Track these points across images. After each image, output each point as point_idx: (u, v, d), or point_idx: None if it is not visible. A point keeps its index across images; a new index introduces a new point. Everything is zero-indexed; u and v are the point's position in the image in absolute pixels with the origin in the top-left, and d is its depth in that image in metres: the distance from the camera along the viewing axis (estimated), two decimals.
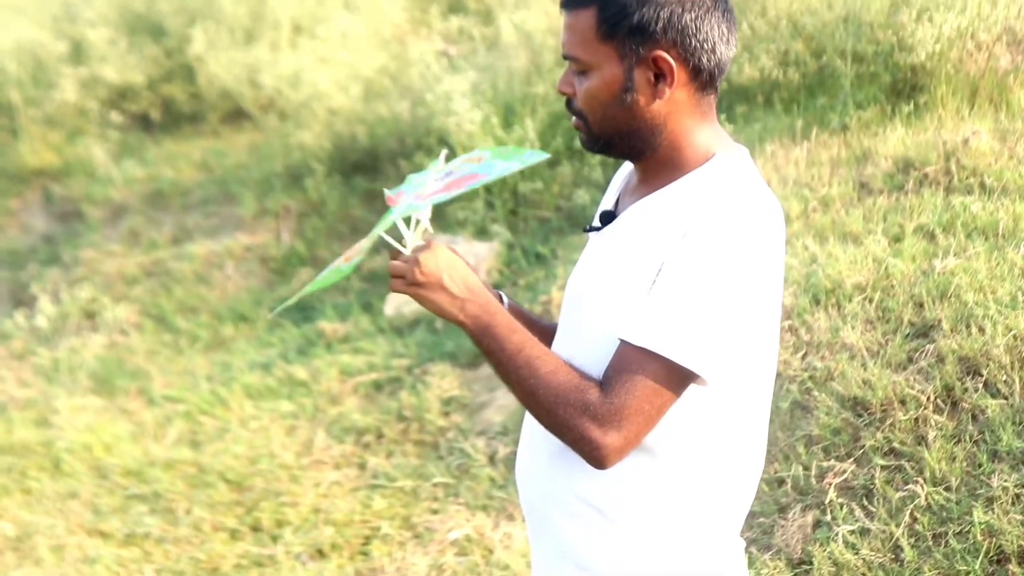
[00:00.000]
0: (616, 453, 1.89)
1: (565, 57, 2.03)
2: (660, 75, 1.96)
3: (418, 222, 2.04)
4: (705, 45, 1.96)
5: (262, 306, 8.04)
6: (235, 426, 5.98)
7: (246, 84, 11.18)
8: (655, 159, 2.05)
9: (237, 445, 5.72)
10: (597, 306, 2.03)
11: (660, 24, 1.92)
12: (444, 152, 2.33)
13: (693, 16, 1.94)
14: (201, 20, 11.46)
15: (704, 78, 2.00)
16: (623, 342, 1.90)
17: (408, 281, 1.97)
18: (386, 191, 2.14)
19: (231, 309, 8.13)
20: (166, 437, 5.98)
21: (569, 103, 2.07)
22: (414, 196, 2.07)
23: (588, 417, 1.87)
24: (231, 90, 11.29)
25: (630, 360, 1.88)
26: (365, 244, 2.09)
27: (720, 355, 1.88)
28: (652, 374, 1.86)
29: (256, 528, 5.00)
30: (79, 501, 5.35)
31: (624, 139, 2.03)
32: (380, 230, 2.02)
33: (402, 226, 2.02)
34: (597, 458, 1.90)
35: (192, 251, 9.19)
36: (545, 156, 2.15)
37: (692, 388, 1.92)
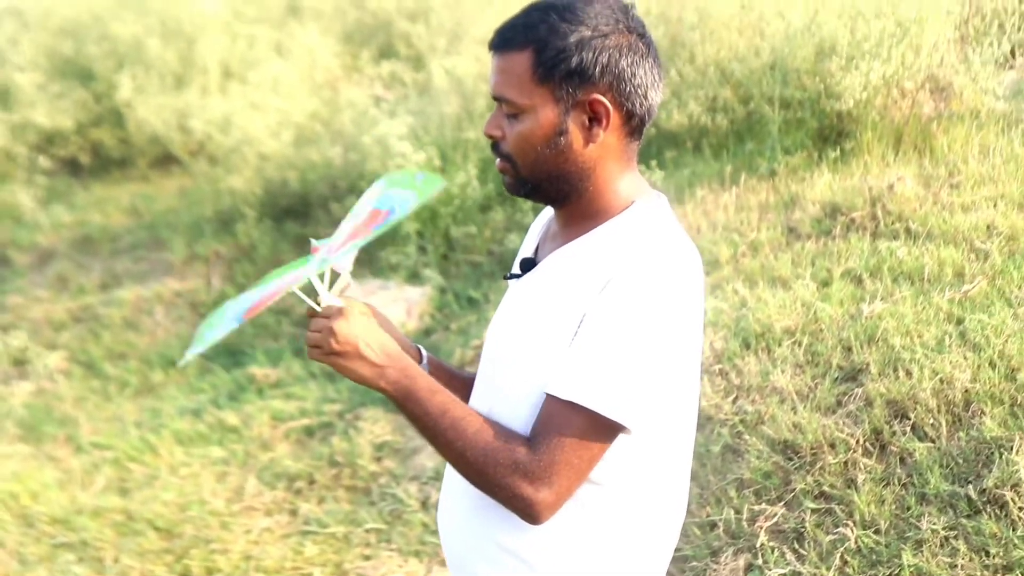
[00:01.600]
0: (549, 509, 1.89)
1: (496, 99, 2.02)
2: (595, 119, 1.97)
3: (337, 275, 2.03)
4: (639, 90, 1.98)
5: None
6: (165, 473, 5.92)
7: (176, 129, 11.15)
8: (578, 205, 2.06)
9: (167, 492, 5.66)
10: (518, 358, 2.03)
11: (598, 68, 1.94)
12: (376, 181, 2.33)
13: (629, 62, 1.96)
14: (130, 65, 11.43)
15: (635, 123, 2.02)
16: (549, 396, 1.91)
17: (325, 351, 1.96)
18: (312, 240, 2.13)
19: (161, 355, 8.06)
20: (94, 484, 5.91)
21: (495, 146, 2.06)
22: (326, 249, 2.06)
23: (519, 475, 1.87)
24: (161, 135, 11.26)
25: (557, 414, 1.89)
26: (268, 289, 2.07)
27: (644, 405, 1.89)
28: (579, 427, 1.87)
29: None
30: (4, 550, 5.27)
31: (552, 183, 2.03)
32: (284, 274, 2.02)
33: (317, 283, 2.01)
34: (531, 515, 1.90)
35: (121, 296, 9.12)
36: (441, 184, 2.16)
37: (618, 437, 1.93)
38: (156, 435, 6.41)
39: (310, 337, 1.98)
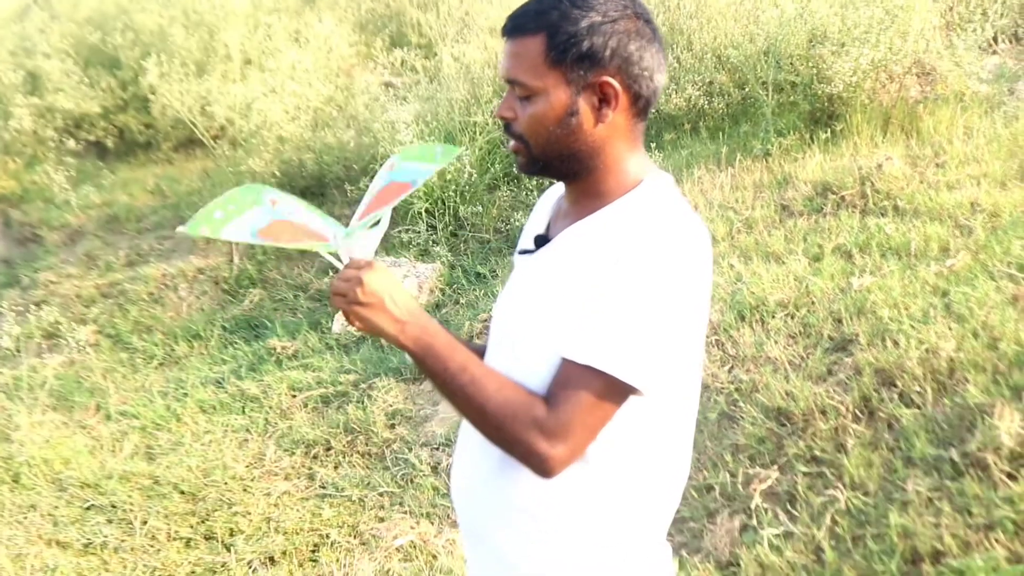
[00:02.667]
0: (562, 464, 1.90)
1: (508, 82, 2.02)
2: (604, 100, 1.97)
3: (372, 228, 2.02)
4: (645, 73, 1.99)
5: (215, 325, 8.00)
6: (189, 440, 5.93)
7: (198, 114, 11.14)
8: (589, 183, 2.06)
9: (191, 458, 5.67)
10: (535, 326, 2.02)
11: (608, 51, 1.94)
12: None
13: (637, 46, 1.96)
14: (154, 53, 11.40)
15: (641, 104, 2.02)
16: (566, 360, 1.90)
17: (351, 299, 1.94)
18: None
19: (185, 328, 8.08)
20: (122, 451, 5.92)
21: (508, 127, 2.06)
22: (357, 219, 2.05)
23: (536, 431, 1.87)
24: (184, 119, 11.24)
25: (574, 376, 1.88)
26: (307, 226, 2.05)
27: (656, 369, 1.89)
28: (595, 389, 1.87)
29: (209, 537, 4.96)
30: (38, 513, 5.29)
31: (564, 161, 2.03)
32: (314, 224, 2.01)
33: (342, 247, 2.00)
34: (545, 469, 1.90)
35: (147, 273, 9.13)
36: (457, 152, 2.15)
37: (628, 400, 1.93)
38: (180, 404, 6.43)
39: (337, 286, 1.96)
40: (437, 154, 2.15)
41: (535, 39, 1.96)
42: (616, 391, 1.89)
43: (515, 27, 2.00)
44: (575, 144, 2.01)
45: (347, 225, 2.04)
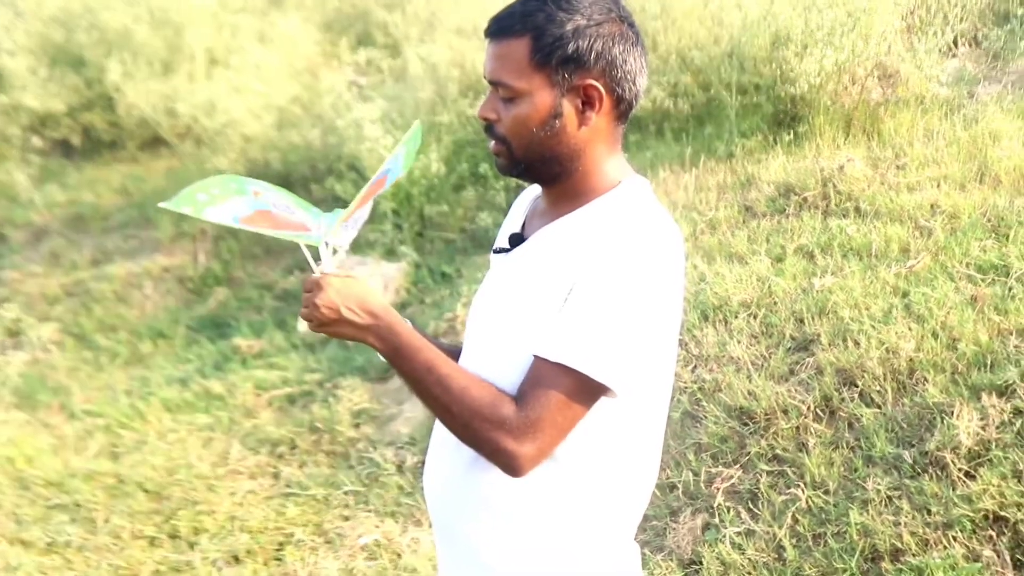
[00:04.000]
0: (531, 462, 1.90)
1: (492, 83, 2.02)
2: (588, 102, 1.98)
3: (335, 250, 2.04)
4: (628, 76, 2.00)
5: (180, 324, 7.98)
6: (153, 438, 5.92)
7: (163, 113, 11.09)
8: (568, 184, 2.06)
9: (155, 456, 5.66)
10: (510, 324, 2.03)
11: (593, 54, 1.95)
12: (417, 122, 2.32)
13: (621, 49, 1.97)
14: (119, 52, 11.34)
15: (623, 108, 2.04)
16: (537, 358, 1.91)
17: (315, 324, 1.98)
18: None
19: (149, 327, 8.05)
20: (86, 449, 5.90)
21: (490, 129, 2.06)
22: (339, 221, 2.05)
23: (504, 431, 1.88)
24: (149, 118, 11.19)
25: (545, 375, 1.89)
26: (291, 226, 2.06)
27: (628, 369, 1.90)
28: (566, 388, 1.87)
29: (174, 536, 4.95)
30: (2, 512, 5.26)
31: (545, 163, 2.04)
32: (296, 216, 2.02)
33: (324, 249, 2.01)
34: (513, 467, 1.91)
35: (112, 272, 9.09)
36: (417, 124, 2.16)
37: (600, 400, 1.94)
38: (145, 403, 6.41)
39: (302, 313, 2.00)
40: (414, 128, 2.15)
41: (520, 41, 1.97)
42: (587, 390, 1.89)
43: (500, 29, 2.01)
44: (558, 146, 2.01)
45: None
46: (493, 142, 2.08)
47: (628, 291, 1.86)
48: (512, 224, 2.27)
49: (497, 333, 2.07)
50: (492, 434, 1.89)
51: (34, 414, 6.54)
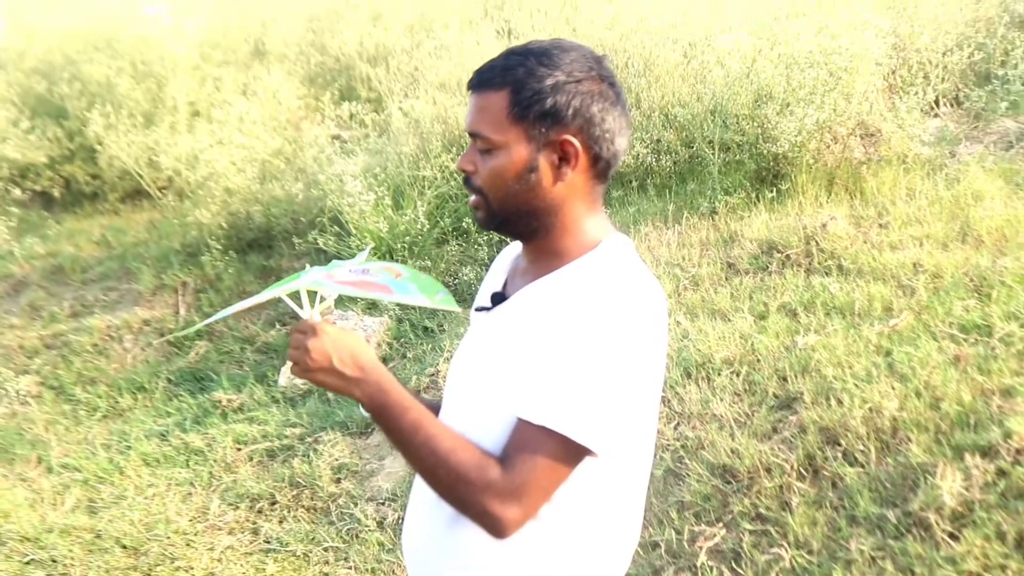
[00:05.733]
0: (516, 525, 1.90)
1: (471, 135, 2.04)
2: (564, 158, 2.00)
3: (322, 299, 2.04)
4: (607, 135, 2.02)
5: (160, 377, 7.95)
6: (132, 493, 5.88)
7: (145, 165, 11.12)
8: (546, 242, 2.08)
9: (134, 511, 5.62)
10: (492, 383, 2.03)
11: (571, 110, 1.97)
12: (370, 246, 2.33)
13: (599, 107, 1.99)
14: (101, 104, 11.37)
15: (601, 166, 2.05)
16: (521, 420, 1.91)
17: (302, 368, 1.97)
18: (308, 265, 2.13)
19: (129, 380, 8.02)
20: (64, 504, 5.86)
21: (468, 181, 2.08)
22: (325, 275, 2.06)
23: (490, 494, 1.87)
24: (131, 170, 11.22)
25: (529, 438, 1.89)
26: (263, 295, 2.06)
27: (611, 431, 1.90)
28: (550, 451, 1.88)
29: None
30: None
31: (521, 218, 2.05)
32: (282, 286, 2.02)
33: (305, 299, 2.02)
34: (498, 530, 1.90)
35: (91, 324, 9.05)
36: (456, 309, 2.16)
37: (583, 460, 1.94)
38: (124, 457, 6.37)
39: (290, 354, 1.99)
40: (438, 296, 2.15)
41: (499, 94, 1.99)
42: (571, 452, 1.89)
43: (481, 82, 2.03)
44: (533, 201, 2.03)
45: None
46: (472, 196, 2.10)
47: (610, 353, 1.87)
48: (493, 282, 2.28)
49: (479, 392, 2.07)
50: (478, 497, 1.89)
51: (11, 468, 6.50)
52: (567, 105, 1.97)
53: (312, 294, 2.03)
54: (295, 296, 2.03)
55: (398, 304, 2.10)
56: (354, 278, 2.08)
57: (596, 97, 2.00)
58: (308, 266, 2.11)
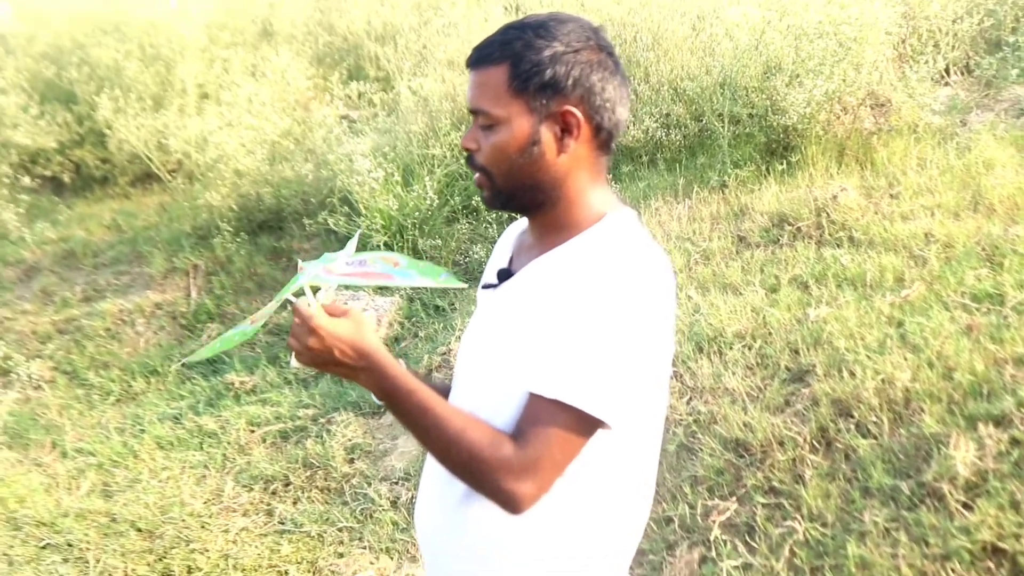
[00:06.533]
0: (531, 500, 1.89)
1: (472, 111, 2.04)
2: (566, 129, 1.99)
3: (321, 290, 2.04)
4: (607, 105, 2.01)
5: (172, 360, 7.97)
6: (146, 476, 5.89)
7: (155, 148, 11.13)
8: (552, 215, 2.07)
9: (148, 495, 5.64)
10: (502, 359, 2.02)
11: (570, 81, 1.96)
12: (359, 231, 2.31)
13: (599, 77, 1.99)
14: (110, 87, 11.37)
15: (603, 136, 2.04)
16: (533, 395, 1.90)
17: (304, 358, 1.96)
18: (299, 261, 2.12)
19: (142, 364, 8.03)
20: (79, 488, 5.87)
21: (471, 160, 2.07)
22: (322, 269, 2.05)
23: (504, 471, 1.87)
24: (140, 153, 11.23)
25: (542, 412, 1.88)
26: (270, 307, 2.07)
27: (623, 402, 1.89)
28: (564, 424, 1.87)
29: (167, 575, 4.93)
30: None
31: (527, 192, 2.04)
32: (285, 294, 2.01)
33: (309, 293, 2.01)
34: (514, 506, 1.90)
35: (104, 308, 9.07)
36: (462, 286, 2.15)
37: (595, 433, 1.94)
38: (138, 440, 6.39)
39: (289, 341, 1.98)
40: (441, 277, 2.14)
41: (499, 68, 1.99)
42: (584, 425, 1.89)
43: (480, 58, 2.03)
44: (538, 174, 2.02)
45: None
46: (476, 174, 2.09)
47: (619, 325, 1.86)
48: (499, 260, 2.27)
49: (489, 369, 2.07)
50: (492, 475, 1.88)
51: (25, 453, 6.52)
52: (567, 75, 1.96)
53: (315, 289, 2.02)
54: (299, 295, 2.02)
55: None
56: (351, 270, 2.07)
57: (596, 67, 1.99)
58: (300, 263, 2.10)
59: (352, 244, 2.17)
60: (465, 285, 2.15)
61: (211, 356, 2.05)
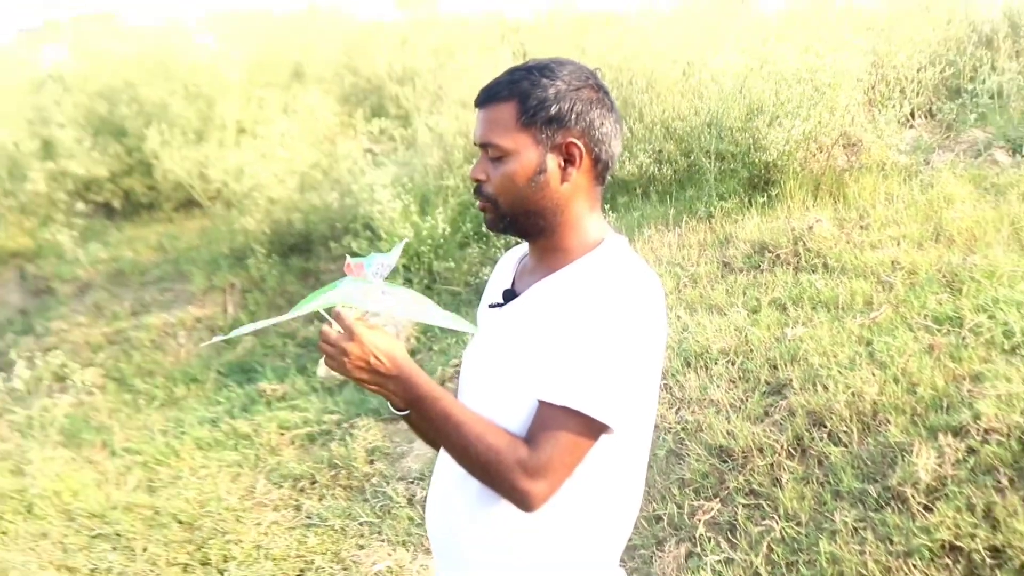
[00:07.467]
0: (543, 499, 1.91)
1: (481, 145, 2.05)
2: (570, 160, 2.02)
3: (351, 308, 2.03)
4: (605, 138, 2.04)
5: (211, 369, 7.99)
6: (187, 474, 5.91)
7: (196, 177, 11.17)
8: (553, 239, 2.09)
9: (188, 490, 5.66)
10: (512, 370, 2.03)
11: (573, 115, 1.99)
12: (405, 240, 2.31)
13: (598, 113, 2.02)
14: (157, 123, 11.40)
15: (600, 168, 2.07)
16: (543, 403, 1.92)
17: (341, 368, 1.96)
18: (348, 258, 2.11)
19: (183, 372, 8.06)
20: (126, 484, 5.90)
21: (479, 190, 2.09)
22: (359, 292, 2.04)
23: (519, 471, 1.88)
24: (183, 182, 11.28)
25: (552, 418, 1.90)
26: (302, 310, 2.05)
27: (624, 408, 1.92)
28: (572, 428, 1.89)
29: (205, 563, 4.93)
30: (49, 541, 5.25)
31: (529, 217, 2.06)
32: (317, 302, 2.01)
33: (343, 309, 2.01)
34: (527, 504, 1.91)
35: (149, 322, 9.11)
36: (473, 330, 2.13)
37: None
38: (179, 441, 6.41)
39: (325, 349, 1.98)
40: (460, 324, 2.12)
41: (508, 105, 2.01)
42: (591, 429, 1.91)
43: (489, 96, 2.05)
44: (542, 201, 2.04)
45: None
46: (480, 200, 2.11)
47: (621, 339, 1.89)
48: (501, 282, 2.28)
49: (499, 381, 2.07)
50: (508, 475, 1.90)
51: (79, 452, 6.54)
52: (570, 110, 1.99)
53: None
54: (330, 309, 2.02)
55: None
56: (385, 300, 2.06)
57: (595, 103, 2.02)
58: (349, 259, 2.09)
59: (398, 250, 2.17)
60: (475, 330, 2.14)
61: (249, 333, 2.02)
